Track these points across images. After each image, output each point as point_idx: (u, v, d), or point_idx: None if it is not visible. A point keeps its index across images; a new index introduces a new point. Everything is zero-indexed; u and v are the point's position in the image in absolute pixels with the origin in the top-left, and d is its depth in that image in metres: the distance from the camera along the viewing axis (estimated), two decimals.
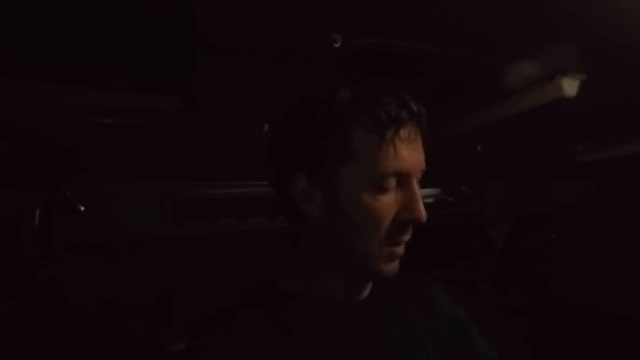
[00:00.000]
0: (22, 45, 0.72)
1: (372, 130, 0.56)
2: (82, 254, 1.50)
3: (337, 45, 0.61)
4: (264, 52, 0.68)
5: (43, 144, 1.19)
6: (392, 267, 0.60)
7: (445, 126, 1.10)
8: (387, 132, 0.55)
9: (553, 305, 2.41)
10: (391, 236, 0.58)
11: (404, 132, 0.56)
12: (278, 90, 0.89)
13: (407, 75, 0.81)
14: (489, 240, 2.39)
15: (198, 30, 0.61)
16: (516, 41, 0.74)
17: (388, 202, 0.57)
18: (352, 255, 0.60)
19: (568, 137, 1.54)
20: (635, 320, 1.91)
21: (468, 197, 2.14)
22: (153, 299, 1.74)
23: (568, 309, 2.30)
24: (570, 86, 0.84)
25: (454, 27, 0.68)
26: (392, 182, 0.57)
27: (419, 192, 0.58)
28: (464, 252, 2.53)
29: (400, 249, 0.60)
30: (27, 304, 1.25)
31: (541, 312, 2.43)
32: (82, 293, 1.55)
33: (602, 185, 2.27)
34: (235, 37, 0.65)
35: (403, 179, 0.57)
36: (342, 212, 0.58)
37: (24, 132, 1.07)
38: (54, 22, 0.68)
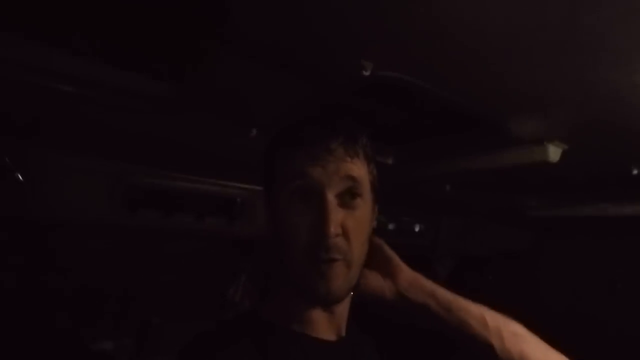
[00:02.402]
0: None
1: (285, 151, 0.60)
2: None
3: (366, 73, 0.60)
4: (283, 61, 0.65)
5: None
6: (324, 287, 0.57)
7: (431, 164, 1.13)
8: (294, 150, 0.59)
9: None
10: (311, 253, 0.57)
11: (312, 151, 0.58)
12: (280, 100, 0.85)
13: (414, 112, 0.82)
14: (435, 273, 2.49)
15: (222, 29, 0.56)
16: (521, 103, 0.78)
17: (299, 217, 0.58)
18: (290, 273, 0.60)
19: (525, 191, 1.66)
20: None
21: (422, 231, 2.22)
22: (83, 289, 1.58)
23: None
24: (554, 153, 0.90)
25: (468, 78, 0.70)
26: (300, 197, 0.58)
27: (331, 207, 0.56)
28: None
29: (326, 268, 0.57)
30: None
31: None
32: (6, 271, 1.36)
33: (539, 239, 2.47)
34: (259, 41, 0.61)
35: (312, 194, 0.57)
36: (276, 228, 0.61)
37: None
38: None
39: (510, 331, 0.65)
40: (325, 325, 0.63)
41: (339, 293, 0.58)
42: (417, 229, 2.28)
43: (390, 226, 2.28)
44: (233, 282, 1.73)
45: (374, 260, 0.66)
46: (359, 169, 0.60)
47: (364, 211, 0.61)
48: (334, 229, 0.55)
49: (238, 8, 0.53)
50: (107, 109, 1.04)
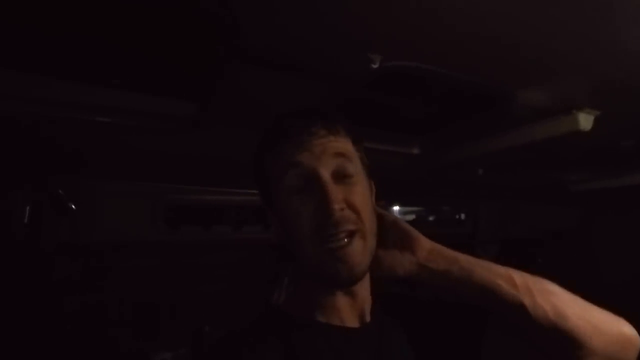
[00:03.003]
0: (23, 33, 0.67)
1: (272, 147, 0.62)
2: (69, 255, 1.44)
3: (375, 66, 0.61)
4: (297, 66, 0.67)
5: (38, 140, 1.14)
6: (345, 268, 0.57)
7: (458, 149, 1.11)
8: (279, 144, 0.60)
9: None
10: (323, 235, 0.57)
11: (296, 139, 0.59)
12: (299, 104, 0.88)
13: (432, 99, 0.81)
14: None
15: (236, 42, 0.60)
16: (539, 73, 0.76)
17: (301, 205, 0.58)
18: (306, 265, 0.60)
19: (563, 166, 1.59)
20: None
21: (460, 218, 2.17)
22: (139, 305, 1.68)
23: None
24: (585, 121, 0.87)
25: (479, 56, 0.69)
26: (297, 186, 0.59)
27: (329, 185, 0.57)
28: None
29: (343, 248, 0.57)
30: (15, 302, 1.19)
31: None
32: (67, 294, 1.48)
33: (588, 213, 2.34)
34: (271, 48, 0.64)
35: (308, 181, 0.58)
36: (284, 227, 0.61)
37: (19, 126, 1.02)
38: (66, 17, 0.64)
39: (541, 288, 0.61)
40: (349, 312, 0.63)
41: (360, 269, 0.58)
42: (456, 217, 2.24)
43: (430, 217, 2.25)
44: (276, 285, 1.77)
45: (391, 237, 0.65)
46: (345, 145, 0.61)
47: (362, 185, 0.62)
48: (337, 204, 0.56)
49: (245, 19, 0.56)
50: (141, 134, 1.12)
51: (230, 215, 1.73)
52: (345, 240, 0.57)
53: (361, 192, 0.60)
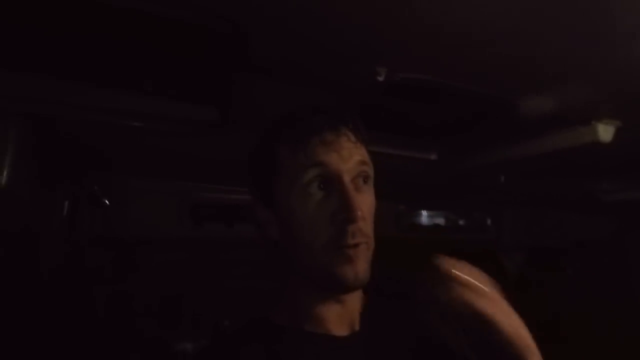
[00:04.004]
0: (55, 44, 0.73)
1: (293, 141, 0.58)
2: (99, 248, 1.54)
3: (381, 78, 0.63)
4: (308, 78, 0.70)
5: (77, 141, 1.23)
6: (352, 271, 0.56)
7: (476, 155, 1.11)
8: (305, 139, 0.57)
9: (560, 339, 2.36)
10: (334, 240, 0.56)
11: (324, 137, 0.56)
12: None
13: (441, 106, 0.82)
14: (502, 268, 2.36)
15: (249, 54, 0.64)
16: (556, 85, 0.75)
17: (318, 206, 0.56)
18: (309, 268, 0.58)
19: (593, 175, 1.53)
20: None
21: (485, 224, 2.13)
22: (163, 298, 1.77)
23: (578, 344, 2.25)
24: (605, 132, 0.85)
25: (485, 67, 0.70)
26: (317, 186, 0.56)
27: (352, 192, 0.56)
28: None
29: (352, 252, 0.56)
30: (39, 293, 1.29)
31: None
32: (99, 284, 1.59)
33: (623, 225, 2.23)
34: (283, 61, 0.67)
35: (331, 181, 0.56)
36: (287, 226, 0.58)
37: (62, 128, 1.11)
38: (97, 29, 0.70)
39: None
40: (337, 321, 0.62)
41: (364, 275, 0.57)
42: (479, 224, 2.20)
43: (453, 223, 2.23)
44: None
45: None
46: (365, 152, 0.60)
47: (373, 195, 0.61)
48: (360, 213, 0.55)
49: (255, 34, 0.59)
50: (169, 137, 1.19)
51: (252, 214, 1.80)
52: (356, 249, 0.56)
53: (371, 203, 0.60)
